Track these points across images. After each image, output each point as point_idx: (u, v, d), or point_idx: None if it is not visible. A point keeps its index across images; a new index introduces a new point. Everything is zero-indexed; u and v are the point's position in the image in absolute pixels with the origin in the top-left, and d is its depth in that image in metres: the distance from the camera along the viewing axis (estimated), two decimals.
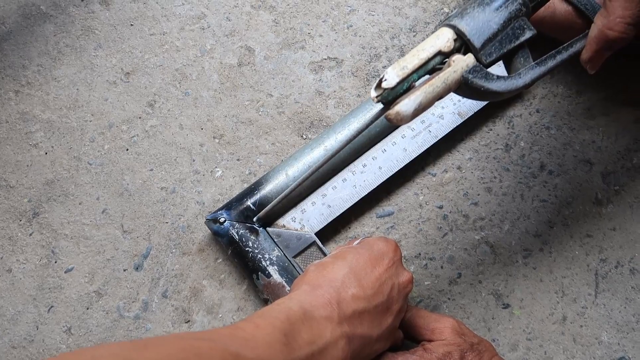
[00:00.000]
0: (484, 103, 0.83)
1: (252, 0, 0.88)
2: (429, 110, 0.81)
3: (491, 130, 0.86)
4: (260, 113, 0.85)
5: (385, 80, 0.57)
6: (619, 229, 0.83)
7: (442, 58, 0.58)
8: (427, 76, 0.59)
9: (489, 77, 0.60)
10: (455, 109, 0.82)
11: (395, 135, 0.81)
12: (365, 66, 0.87)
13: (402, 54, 0.87)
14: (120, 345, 0.47)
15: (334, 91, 0.86)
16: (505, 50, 0.60)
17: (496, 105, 0.85)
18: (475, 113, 0.83)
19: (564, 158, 0.85)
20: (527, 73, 0.62)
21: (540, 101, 0.86)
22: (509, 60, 0.63)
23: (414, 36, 0.88)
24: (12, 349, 0.79)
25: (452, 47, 0.58)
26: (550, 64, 0.64)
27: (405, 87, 0.57)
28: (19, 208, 0.82)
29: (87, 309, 0.80)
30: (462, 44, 0.59)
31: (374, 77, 0.86)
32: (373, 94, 0.58)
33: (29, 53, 0.86)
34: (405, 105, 0.57)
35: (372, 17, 0.88)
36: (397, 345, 0.72)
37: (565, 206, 0.84)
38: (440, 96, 0.58)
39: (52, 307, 0.80)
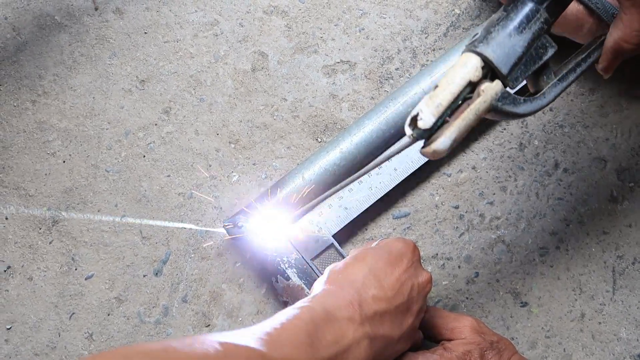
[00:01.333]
0: None
1: (264, 6, 0.89)
2: None
3: (505, 129, 0.86)
4: (275, 117, 0.86)
5: (421, 119, 0.57)
6: (634, 225, 0.84)
7: (471, 88, 0.58)
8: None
9: (516, 102, 0.60)
10: None
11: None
12: (378, 69, 0.88)
13: (414, 55, 0.88)
14: (148, 345, 0.47)
15: (348, 94, 0.87)
16: (530, 72, 0.61)
17: None
18: None
19: (578, 156, 0.85)
20: (551, 91, 0.64)
21: None
22: (533, 79, 0.63)
23: (426, 38, 0.88)
24: (34, 356, 0.79)
25: (480, 75, 0.58)
26: (571, 77, 0.66)
27: (439, 123, 0.58)
28: (39, 216, 0.83)
29: (108, 315, 0.81)
30: (489, 71, 0.59)
31: (387, 79, 0.87)
32: (408, 131, 0.58)
33: (44, 63, 0.87)
34: (441, 143, 0.57)
35: (383, 19, 0.89)
36: (418, 345, 0.73)
37: (581, 204, 0.84)
38: (472, 126, 0.58)
39: (73, 314, 0.81)
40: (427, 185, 0.85)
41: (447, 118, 0.58)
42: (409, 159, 0.81)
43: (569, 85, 0.65)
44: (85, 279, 0.82)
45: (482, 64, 0.58)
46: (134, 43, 0.88)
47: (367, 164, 0.81)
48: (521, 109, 0.61)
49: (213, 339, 0.50)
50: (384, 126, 0.81)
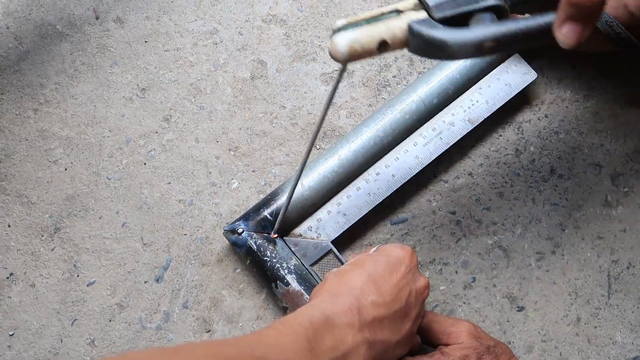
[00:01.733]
0: (493, 109, 0.84)
1: (263, 15, 0.90)
2: (439, 117, 0.83)
3: (501, 136, 0.87)
4: (274, 125, 0.87)
5: (336, 25, 0.58)
6: (629, 230, 0.85)
7: (397, 14, 0.59)
8: None
9: (434, 26, 0.58)
10: (465, 116, 0.83)
11: (407, 144, 0.83)
12: (375, 76, 0.89)
13: (411, 63, 0.89)
14: (150, 352, 0.48)
15: (346, 101, 0.88)
16: (460, 10, 0.58)
17: (505, 111, 0.86)
18: (485, 120, 0.84)
19: (574, 162, 0.86)
20: (479, 27, 0.57)
21: (548, 106, 0.88)
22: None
23: None
24: None
25: (410, 7, 0.58)
26: (511, 26, 0.57)
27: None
28: (41, 224, 0.84)
29: (110, 321, 0.82)
30: (422, 9, 0.59)
31: (384, 86, 0.88)
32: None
33: (46, 72, 0.88)
34: (340, 36, 0.57)
35: None
36: (416, 350, 0.74)
37: (576, 209, 0.85)
38: (382, 40, 0.57)
39: (75, 320, 0.82)
40: (424, 192, 0.86)
41: None
42: (406, 165, 0.82)
43: (509, 37, 0.57)
44: (87, 286, 0.82)
45: (417, 2, 0.59)
46: (135, 52, 0.89)
47: (365, 171, 0.82)
48: (439, 32, 0.57)
49: (215, 344, 0.51)
50: (382, 133, 0.82)
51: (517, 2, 0.65)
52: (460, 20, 0.59)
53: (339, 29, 0.57)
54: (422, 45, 0.58)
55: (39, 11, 0.90)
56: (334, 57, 0.58)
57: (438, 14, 0.58)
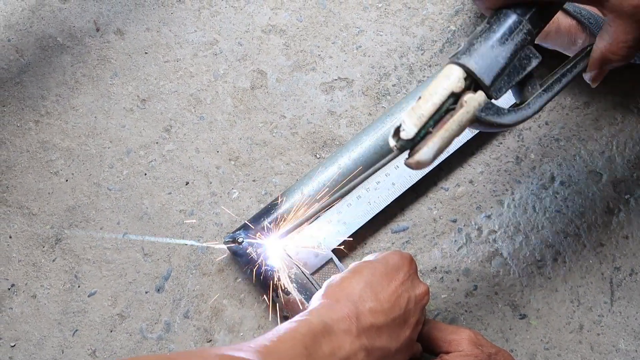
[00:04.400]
0: None
1: (262, 25, 0.91)
2: None
3: (501, 143, 0.87)
4: (274, 134, 0.87)
5: (404, 130, 0.58)
6: (631, 237, 0.84)
7: (454, 99, 0.59)
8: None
9: (500, 112, 0.60)
10: None
11: (407, 152, 0.83)
12: (375, 85, 0.89)
13: (411, 72, 0.89)
14: (149, 357, 0.48)
15: (346, 110, 0.88)
16: (514, 83, 0.61)
17: None
18: None
19: (574, 169, 0.86)
20: (536, 102, 0.64)
21: (548, 114, 0.88)
22: (518, 89, 0.64)
23: (422, 54, 0.90)
24: None
25: (462, 86, 0.59)
26: (557, 88, 0.66)
27: (422, 134, 0.58)
28: (42, 235, 0.84)
29: (111, 331, 0.82)
30: (472, 82, 0.59)
31: (384, 95, 0.88)
32: (392, 142, 0.59)
33: (47, 84, 0.89)
34: (424, 154, 0.58)
35: (380, 37, 0.90)
36: (416, 358, 0.73)
37: (577, 216, 0.85)
38: (455, 137, 0.59)
39: (76, 330, 0.82)
40: (425, 200, 0.86)
41: (430, 129, 0.58)
42: (407, 173, 0.82)
43: (555, 95, 0.65)
44: (88, 296, 0.83)
45: (465, 75, 0.59)
46: (135, 63, 0.89)
47: (363, 179, 0.82)
48: (505, 119, 0.61)
49: (212, 352, 0.51)
50: (382, 142, 0.82)
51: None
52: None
53: (413, 139, 0.58)
54: (486, 128, 0.62)
55: (40, 24, 0.90)
56: (416, 169, 0.60)
57: (497, 95, 0.60)
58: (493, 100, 0.60)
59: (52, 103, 0.88)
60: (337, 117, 0.88)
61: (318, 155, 0.87)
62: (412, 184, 0.82)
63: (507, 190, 0.86)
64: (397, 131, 0.58)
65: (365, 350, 0.62)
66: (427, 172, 0.83)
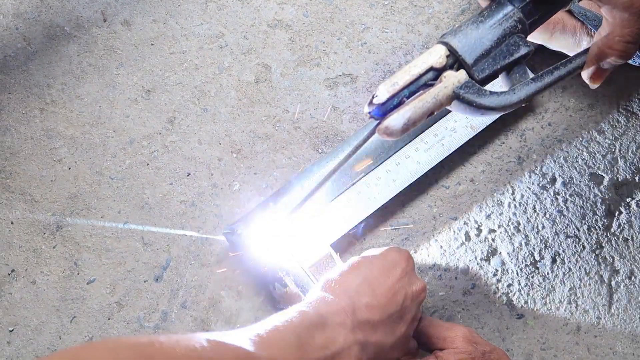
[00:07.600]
0: (496, 116, 0.84)
1: (268, 20, 0.91)
2: (441, 123, 0.83)
3: (504, 143, 0.87)
4: (276, 128, 0.88)
5: (376, 96, 0.59)
6: (631, 239, 0.84)
7: (434, 74, 0.59)
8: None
9: (481, 92, 0.60)
10: (467, 122, 0.83)
11: (409, 149, 0.83)
12: (379, 82, 0.89)
13: None
14: (135, 338, 0.49)
15: (349, 106, 0.88)
16: (498, 67, 0.61)
17: (508, 118, 0.86)
18: (487, 126, 0.84)
19: (576, 170, 0.86)
20: (522, 89, 0.63)
21: (552, 115, 0.88)
22: (506, 76, 0.64)
23: None
24: (36, 358, 0.81)
25: (444, 63, 0.59)
26: (547, 79, 0.65)
27: (395, 102, 0.59)
28: (43, 221, 0.85)
29: (109, 319, 0.82)
30: (455, 61, 0.60)
31: None
32: (366, 109, 0.60)
33: (53, 72, 0.89)
34: (394, 119, 0.59)
35: (385, 34, 0.90)
36: (413, 354, 0.74)
37: (578, 218, 0.85)
38: (431, 111, 0.59)
39: (74, 317, 0.82)
40: (425, 197, 0.86)
41: (405, 99, 0.59)
42: (408, 170, 0.82)
43: (545, 87, 0.65)
44: (87, 284, 0.83)
45: (448, 53, 0.60)
46: (141, 54, 0.90)
47: (366, 175, 0.82)
48: (485, 100, 0.61)
49: (201, 336, 0.51)
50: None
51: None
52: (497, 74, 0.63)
53: (384, 104, 0.59)
54: (466, 108, 0.61)
55: (48, 13, 0.91)
56: (387, 137, 0.60)
57: (479, 75, 0.61)
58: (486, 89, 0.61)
59: (57, 91, 0.89)
60: (340, 112, 0.88)
61: (320, 150, 0.87)
62: (413, 181, 0.82)
63: (507, 190, 0.86)
64: (371, 100, 0.59)
65: (359, 345, 0.62)
66: (428, 169, 0.83)
